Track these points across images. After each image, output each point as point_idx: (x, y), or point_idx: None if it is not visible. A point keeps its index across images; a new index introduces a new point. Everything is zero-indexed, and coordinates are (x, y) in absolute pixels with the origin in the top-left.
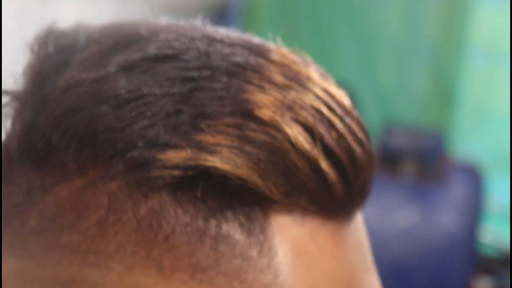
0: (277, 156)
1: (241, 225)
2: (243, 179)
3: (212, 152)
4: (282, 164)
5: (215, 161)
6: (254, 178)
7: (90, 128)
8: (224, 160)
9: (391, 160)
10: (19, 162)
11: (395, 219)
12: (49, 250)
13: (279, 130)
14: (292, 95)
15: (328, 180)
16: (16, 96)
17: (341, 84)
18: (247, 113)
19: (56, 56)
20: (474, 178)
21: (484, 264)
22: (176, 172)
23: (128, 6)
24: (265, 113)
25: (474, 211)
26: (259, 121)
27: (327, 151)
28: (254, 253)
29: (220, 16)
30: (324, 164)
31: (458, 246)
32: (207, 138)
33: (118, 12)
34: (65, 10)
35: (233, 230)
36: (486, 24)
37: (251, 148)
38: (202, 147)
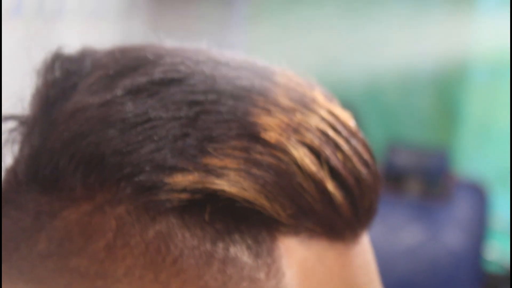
0: (283, 178)
1: (248, 247)
2: (250, 201)
3: (219, 175)
4: (289, 186)
5: (222, 184)
6: (261, 201)
7: (98, 152)
8: (231, 183)
9: (395, 178)
10: (27, 187)
11: (400, 237)
12: (57, 274)
13: (286, 152)
14: (298, 117)
15: (334, 202)
16: (24, 121)
17: (344, 102)
18: (253, 136)
19: (63, 81)
20: (479, 195)
21: (489, 281)
22: (183, 196)
23: (132, 25)
24: (271, 136)
25: (479, 228)
26: (266, 143)
27: (333, 173)
28: (261, 275)
29: (223, 31)
30: (330, 186)
31: (463, 263)
32: (214, 161)
33: (122, 31)
34: (70, 33)
35: (240, 252)
36: (489, 42)
37: (258, 171)
38: (209, 170)
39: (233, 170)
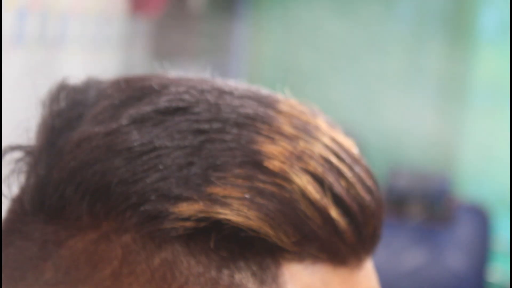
0: (287, 206)
1: (253, 274)
2: (255, 230)
3: (223, 205)
4: (293, 214)
5: (226, 214)
6: (265, 229)
7: (104, 181)
8: (235, 212)
9: (397, 202)
10: (33, 216)
11: (403, 260)
12: None
13: (289, 180)
14: (301, 145)
15: (338, 228)
16: (30, 151)
17: (344, 126)
18: (257, 164)
19: (69, 111)
20: (481, 218)
21: None
22: (188, 224)
23: (133, 51)
24: (275, 164)
25: (482, 251)
26: (269, 172)
27: (337, 200)
28: None
29: (223, 62)
30: (334, 213)
31: (466, 286)
32: (218, 191)
33: (123, 57)
34: (72, 60)
35: (245, 279)
36: (489, 64)
37: (261, 200)
38: (213, 200)
39: (237, 199)
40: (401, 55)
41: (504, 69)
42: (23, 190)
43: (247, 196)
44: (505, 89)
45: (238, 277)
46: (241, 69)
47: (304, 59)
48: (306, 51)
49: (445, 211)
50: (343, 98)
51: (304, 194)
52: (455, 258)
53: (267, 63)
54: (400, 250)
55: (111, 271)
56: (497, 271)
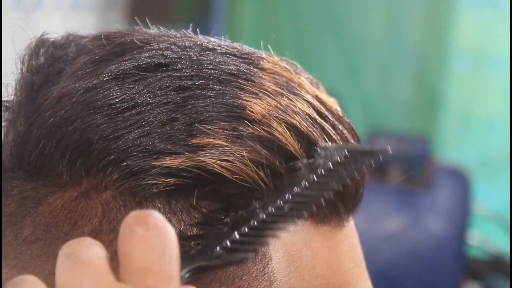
0: (269, 151)
1: None
2: (237, 173)
3: (206, 153)
4: (275, 159)
5: (209, 160)
6: (247, 171)
7: (84, 138)
8: (217, 158)
9: (377, 166)
10: (12, 173)
11: (383, 224)
12: (43, 260)
13: (273, 129)
14: (285, 101)
15: None
16: (9, 107)
17: (327, 92)
18: (241, 117)
19: (48, 67)
20: (461, 181)
21: (472, 266)
22: (170, 180)
23: (110, 16)
24: (259, 116)
25: (462, 214)
26: (253, 122)
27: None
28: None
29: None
30: None
31: (446, 249)
32: (202, 141)
33: (100, 22)
34: (49, 24)
35: None
36: (469, 30)
37: (244, 145)
38: (197, 150)
39: (220, 146)
40: (382, 18)
41: (484, 33)
42: (2, 147)
43: (230, 143)
44: (485, 53)
45: None
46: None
47: (284, 25)
48: (286, 17)
49: (425, 175)
50: (323, 63)
51: (287, 145)
52: (435, 221)
53: (247, 29)
54: (380, 213)
55: (91, 229)
56: (477, 234)
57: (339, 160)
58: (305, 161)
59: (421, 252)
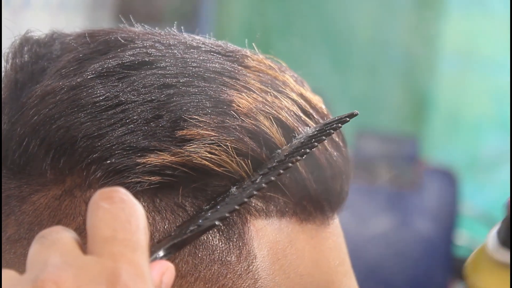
0: (257, 144)
1: (219, 230)
2: (222, 165)
3: (192, 145)
4: (261, 151)
5: (194, 154)
6: (231, 163)
7: (68, 136)
8: (203, 149)
9: (365, 166)
10: None
11: (371, 224)
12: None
13: (259, 122)
14: (270, 98)
15: (305, 181)
16: None
17: (313, 89)
18: (226, 110)
19: (32, 65)
20: (449, 181)
21: (460, 267)
22: (154, 178)
23: (97, 16)
24: (245, 110)
25: (449, 215)
26: (239, 114)
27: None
28: (233, 258)
29: (191, 24)
30: (300, 164)
31: (434, 249)
32: (189, 133)
33: (88, 22)
34: (36, 20)
35: (212, 235)
36: (457, 31)
37: (228, 136)
38: (183, 143)
39: (208, 137)
40: (370, 19)
41: (472, 34)
42: None
43: (217, 133)
44: (473, 54)
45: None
46: (209, 33)
47: (272, 26)
48: (275, 17)
49: (413, 175)
50: (311, 63)
51: (273, 138)
52: (423, 222)
53: (235, 30)
54: (368, 213)
55: (75, 227)
56: (465, 235)
57: (310, 134)
58: (284, 147)
59: (409, 252)
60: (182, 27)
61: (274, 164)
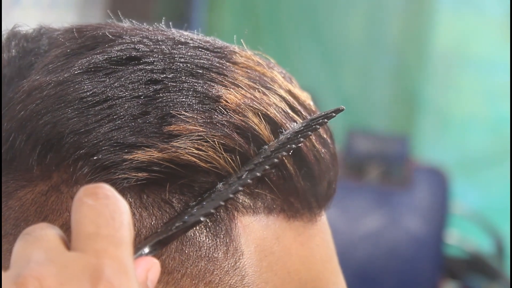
0: (244, 139)
1: (206, 226)
2: (209, 161)
3: (179, 140)
4: (249, 147)
5: (181, 150)
6: (219, 159)
7: (55, 131)
8: (191, 145)
9: (356, 165)
10: None
11: (361, 222)
12: None
13: (248, 120)
14: (258, 95)
15: (292, 178)
16: None
17: (304, 89)
18: (214, 106)
19: (20, 60)
20: (439, 180)
21: (450, 265)
22: (141, 174)
23: (88, 14)
24: (233, 106)
25: (440, 213)
26: (227, 109)
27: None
28: (220, 254)
29: (182, 23)
30: (288, 161)
31: (424, 248)
32: (177, 128)
33: (78, 20)
34: (27, 18)
35: (199, 231)
36: (448, 30)
37: (216, 132)
38: (170, 139)
39: (195, 132)
40: (362, 18)
41: (463, 33)
42: None
43: (204, 128)
44: (464, 54)
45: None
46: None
47: (264, 25)
48: (266, 16)
49: (403, 174)
50: (302, 62)
51: (261, 134)
52: (413, 220)
53: (227, 30)
54: (358, 212)
55: (61, 223)
56: (455, 234)
57: (296, 129)
58: (271, 143)
59: (399, 251)
60: (170, 23)
61: (260, 160)
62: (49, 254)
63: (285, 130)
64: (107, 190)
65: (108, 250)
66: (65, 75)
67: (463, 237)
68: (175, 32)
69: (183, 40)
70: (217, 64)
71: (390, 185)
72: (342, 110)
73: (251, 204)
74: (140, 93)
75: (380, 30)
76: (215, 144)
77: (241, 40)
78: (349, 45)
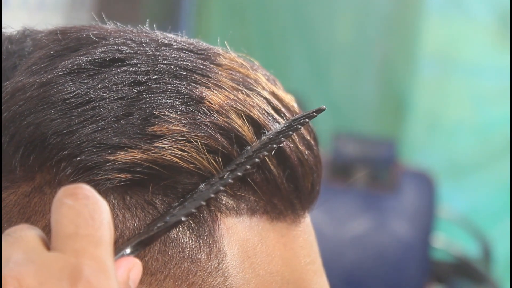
0: (228, 140)
1: (190, 227)
2: (192, 162)
3: (163, 141)
4: (232, 148)
5: (165, 151)
6: (201, 160)
7: (38, 133)
8: (173, 146)
9: (343, 168)
10: None
11: (348, 226)
12: None
13: (231, 121)
14: (242, 96)
15: (275, 179)
16: None
17: (291, 93)
18: (197, 107)
19: (3, 61)
20: (426, 184)
21: (437, 269)
22: (124, 175)
23: (75, 14)
24: (216, 106)
25: (427, 217)
26: (210, 110)
27: (275, 151)
28: (203, 255)
29: (170, 25)
30: (271, 163)
31: (411, 252)
32: (160, 129)
33: (66, 22)
34: (14, 20)
35: (182, 233)
36: (436, 34)
37: (203, 132)
38: (153, 140)
39: (179, 133)
40: (349, 22)
41: (451, 37)
42: None
43: (188, 129)
44: (452, 58)
45: (174, 230)
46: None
47: (252, 28)
48: (254, 19)
49: (390, 178)
50: (290, 65)
51: (244, 136)
52: (400, 224)
53: (214, 32)
54: (345, 216)
55: (44, 224)
56: (442, 237)
57: (278, 130)
58: (253, 143)
59: (386, 254)
60: (154, 25)
61: (242, 160)
62: (28, 254)
63: (268, 131)
64: (86, 190)
65: (88, 249)
66: (49, 76)
67: (450, 241)
68: (159, 34)
69: (167, 42)
70: (201, 66)
71: (377, 189)
72: (324, 110)
73: (234, 206)
74: (124, 95)
75: (367, 34)
76: (198, 144)
77: (225, 42)
78: (336, 49)
